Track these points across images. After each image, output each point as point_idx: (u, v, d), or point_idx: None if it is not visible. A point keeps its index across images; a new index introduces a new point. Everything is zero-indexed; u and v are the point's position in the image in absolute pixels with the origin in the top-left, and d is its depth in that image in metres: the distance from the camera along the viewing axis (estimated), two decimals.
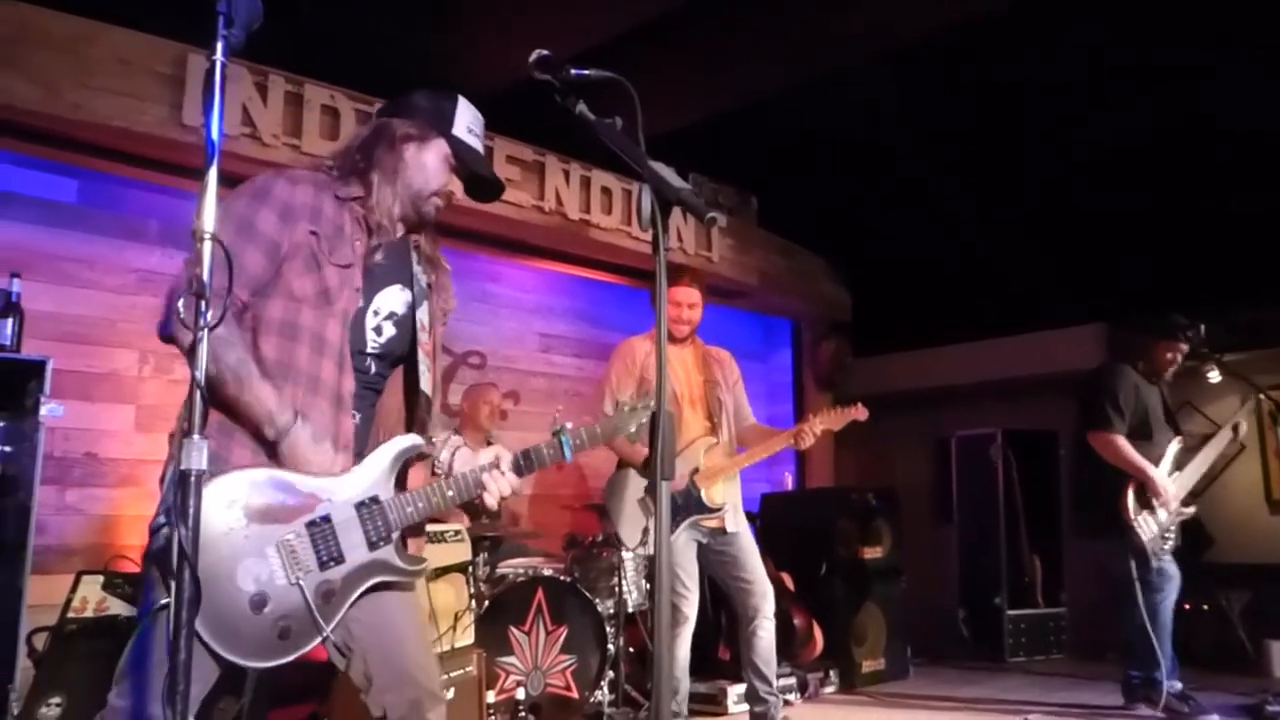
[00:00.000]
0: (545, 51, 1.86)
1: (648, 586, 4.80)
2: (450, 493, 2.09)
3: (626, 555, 4.78)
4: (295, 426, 1.92)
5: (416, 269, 2.21)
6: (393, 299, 2.16)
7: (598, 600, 4.53)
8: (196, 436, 1.40)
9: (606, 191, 6.02)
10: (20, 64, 3.92)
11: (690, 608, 4.02)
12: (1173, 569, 4.57)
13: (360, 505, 1.96)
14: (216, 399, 1.88)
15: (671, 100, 5.44)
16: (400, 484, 2.09)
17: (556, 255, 6.32)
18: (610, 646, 4.43)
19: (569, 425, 2.23)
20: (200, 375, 1.41)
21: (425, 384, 2.16)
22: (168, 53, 4.29)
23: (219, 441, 1.90)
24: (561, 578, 4.48)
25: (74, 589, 3.38)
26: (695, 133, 5.63)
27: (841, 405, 4.15)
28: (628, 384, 4.11)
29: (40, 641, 3.38)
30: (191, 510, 1.38)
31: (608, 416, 2.33)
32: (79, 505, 4.56)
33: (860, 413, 4.12)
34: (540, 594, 4.30)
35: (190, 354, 1.42)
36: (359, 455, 2.04)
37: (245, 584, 1.81)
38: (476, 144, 2.22)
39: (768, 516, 6.33)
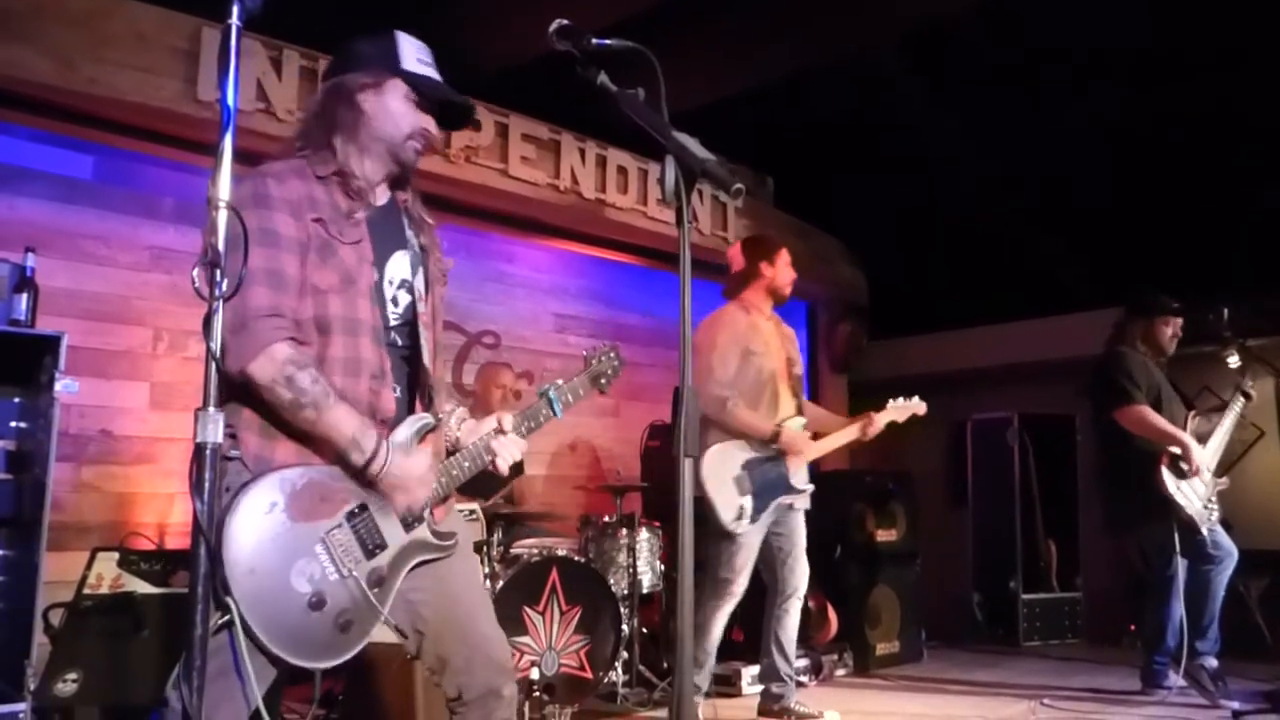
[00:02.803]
0: (565, 21, 1.82)
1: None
2: (466, 463, 2.11)
3: (642, 536, 4.78)
4: (382, 451, 1.89)
5: (409, 232, 2.15)
6: (401, 266, 2.11)
7: (612, 581, 4.53)
8: (211, 409, 1.38)
9: (622, 171, 5.98)
10: (36, 38, 3.90)
11: (742, 587, 4.07)
12: (1228, 542, 4.55)
13: None
14: (294, 424, 1.86)
15: (688, 81, 5.39)
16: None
17: (572, 235, 6.29)
18: (624, 627, 4.43)
19: (559, 382, 2.29)
20: (215, 347, 1.38)
21: (425, 355, 2.11)
22: (183, 27, 4.27)
23: (262, 444, 1.89)
24: (576, 558, 4.48)
25: (89, 565, 3.38)
26: (711, 113, 5.58)
27: (903, 396, 4.33)
28: (733, 355, 4.05)
29: (56, 618, 3.38)
30: (207, 485, 1.36)
31: (582, 369, 2.38)
32: (94, 482, 4.57)
33: (920, 407, 4.32)
34: (555, 574, 4.28)
35: (205, 325, 1.39)
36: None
37: (301, 586, 1.80)
38: (430, 72, 2.11)
39: None
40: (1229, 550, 4.53)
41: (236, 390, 1.86)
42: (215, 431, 1.38)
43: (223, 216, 1.40)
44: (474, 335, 6.17)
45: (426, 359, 2.11)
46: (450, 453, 2.16)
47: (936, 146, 6.68)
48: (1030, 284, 7.08)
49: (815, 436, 4.22)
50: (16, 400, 3.54)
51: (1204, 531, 4.46)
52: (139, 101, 4.16)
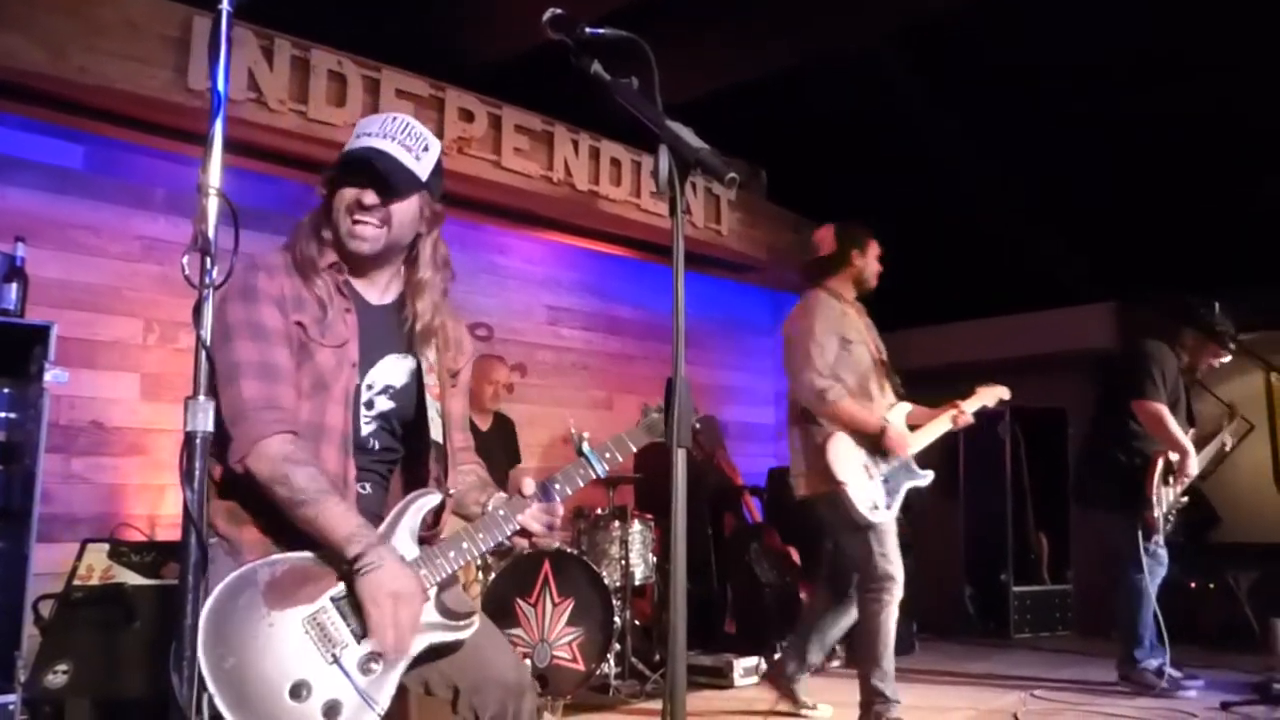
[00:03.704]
0: (559, 10, 1.81)
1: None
2: (481, 534, 2.00)
3: (634, 529, 4.79)
4: (370, 556, 1.80)
5: (416, 335, 2.09)
6: (390, 371, 2.07)
7: (604, 573, 4.53)
8: (201, 398, 1.37)
9: (615, 163, 5.96)
10: (27, 26, 3.87)
11: (902, 573, 3.86)
12: (1164, 553, 4.68)
13: None
14: (291, 520, 1.82)
15: (681, 73, 5.37)
16: (432, 539, 2.01)
17: (565, 227, 6.28)
18: (617, 619, 4.43)
19: (587, 435, 2.15)
20: (205, 335, 1.38)
21: (435, 431, 2.06)
22: (174, 15, 4.24)
23: (229, 529, 1.89)
24: (568, 550, 4.48)
25: (79, 557, 3.38)
26: (705, 105, 5.56)
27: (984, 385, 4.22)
28: (831, 343, 3.87)
29: (46, 609, 3.37)
30: (198, 474, 1.35)
31: (638, 424, 2.21)
32: (85, 474, 4.55)
33: (1004, 391, 4.23)
34: (547, 566, 4.29)
35: (195, 313, 1.39)
36: (379, 518, 1.96)
37: (282, 677, 1.72)
38: (367, 142, 1.99)
39: (775, 491, 6.32)
40: (1163, 560, 4.67)
41: (213, 481, 1.88)
42: (206, 420, 1.37)
43: (213, 203, 1.39)
44: (467, 328, 6.14)
45: (435, 433, 2.06)
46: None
47: (929, 140, 6.67)
48: (1022, 278, 7.08)
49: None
50: (6, 391, 3.52)
51: (1153, 541, 4.58)
52: (130, 90, 4.13)
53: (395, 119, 2.04)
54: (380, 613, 1.78)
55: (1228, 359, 4.89)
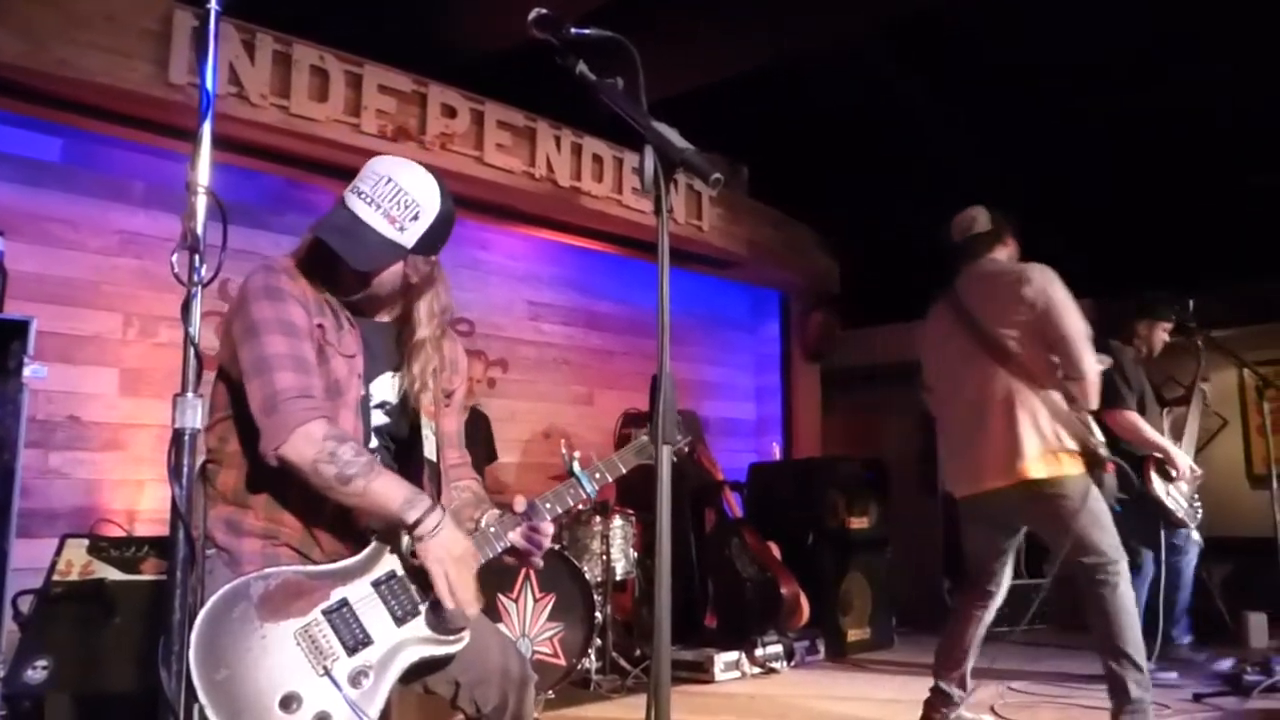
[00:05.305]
0: (544, 10, 1.82)
1: None
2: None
3: (616, 524, 4.80)
4: (435, 514, 1.87)
5: (408, 354, 2.11)
6: (387, 387, 2.11)
7: (585, 568, 4.54)
8: (190, 395, 1.38)
9: (598, 159, 5.97)
10: (6, 18, 3.84)
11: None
12: (1184, 535, 4.81)
13: (378, 582, 1.90)
14: (335, 499, 1.85)
15: (662, 69, 5.36)
16: None
17: (546, 223, 6.28)
18: (598, 614, 4.44)
19: (577, 455, 2.21)
20: (194, 332, 1.38)
21: (429, 449, 2.08)
22: (155, 8, 4.21)
23: (229, 540, 1.90)
24: (550, 545, 4.48)
25: (59, 552, 3.36)
26: (686, 101, 5.57)
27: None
28: None
29: (25, 605, 3.35)
30: (185, 470, 1.36)
31: (627, 446, 2.23)
32: (63, 469, 4.52)
33: None
34: None
35: (184, 310, 1.39)
36: (374, 533, 1.97)
37: (272, 689, 1.73)
38: (357, 206, 1.97)
39: (756, 486, 6.34)
40: (1194, 540, 4.81)
41: (213, 491, 1.91)
42: (194, 417, 1.38)
43: (201, 201, 1.39)
44: (448, 323, 6.13)
45: (429, 452, 2.08)
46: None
47: (911, 137, 6.70)
48: None
49: None
50: None
51: (1191, 527, 4.69)
52: (109, 83, 4.11)
53: (389, 181, 1.98)
54: (444, 578, 1.86)
55: (1171, 325, 4.95)
